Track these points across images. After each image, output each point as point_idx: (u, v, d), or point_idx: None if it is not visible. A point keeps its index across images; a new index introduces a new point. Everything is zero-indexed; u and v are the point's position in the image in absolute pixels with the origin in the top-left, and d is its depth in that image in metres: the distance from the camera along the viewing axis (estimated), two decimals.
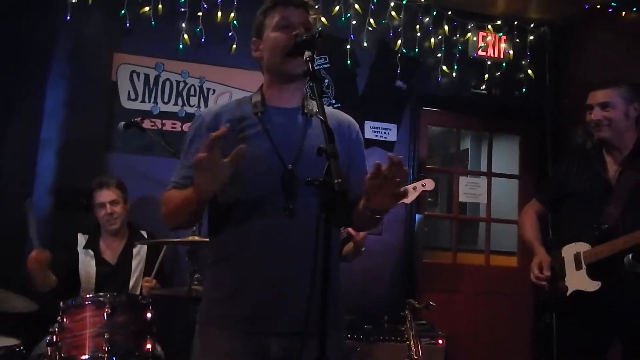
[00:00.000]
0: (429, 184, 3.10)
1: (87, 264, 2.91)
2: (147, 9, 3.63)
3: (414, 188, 2.96)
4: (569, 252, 2.54)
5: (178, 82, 3.75)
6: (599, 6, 3.99)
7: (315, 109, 1.67)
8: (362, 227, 1.95)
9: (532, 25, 4.38)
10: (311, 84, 1.45)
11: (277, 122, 1.60)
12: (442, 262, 4.41)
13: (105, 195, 2.95)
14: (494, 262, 4.40)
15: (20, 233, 3.29)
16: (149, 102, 3.68)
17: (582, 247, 2.50)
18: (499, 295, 4.21)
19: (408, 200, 3.26)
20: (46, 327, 2.46)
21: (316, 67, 3.35)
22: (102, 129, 3.58)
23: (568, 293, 2.49)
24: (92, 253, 2.93)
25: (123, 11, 3.59)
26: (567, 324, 2.62)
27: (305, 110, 1.65)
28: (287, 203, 1.51)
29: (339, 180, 1.18)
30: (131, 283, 2.94)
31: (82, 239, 2.97)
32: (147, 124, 3.45)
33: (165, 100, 3.72)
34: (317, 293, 1.52)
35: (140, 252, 3.03)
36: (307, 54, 1.47)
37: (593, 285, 2.41)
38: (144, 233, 3.14)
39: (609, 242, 2.39)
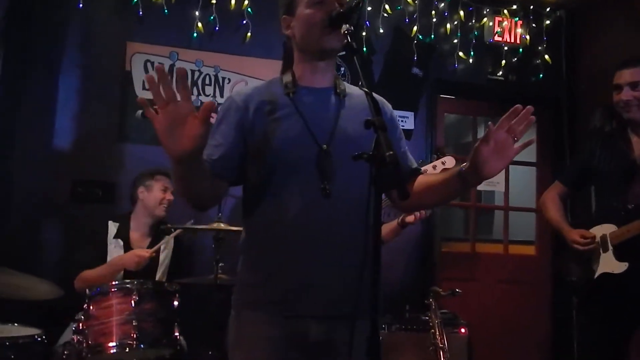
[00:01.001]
0: (449, 162, 3.06)
1: (115, 254, 2.88)
2: None
3: (434, 167, 2.93)
4: (596, 233, 2.53)
5: (193, 72, 3.72)
6: None
7: (348, 89, 1.66)
8: (432, 202, 1.79)
9: (547, 10, 4.36)
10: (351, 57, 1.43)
11: (309, 102, 1.58)
12: (460, 251, 4.40)
13: (168, 184, 2.97)
14: (512, 251, 4.38)
15: (38, 219, 3.32)
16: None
17: (608, 228, 2.50)
18: (518, 284, 4.21)
19: None
20: (70, 315, 2.46)
21: None
22: (116, 119, 3.56)
23: (595, 276, 2.49)
24: (121, 243, 2.91)
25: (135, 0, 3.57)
26: (590, 310, 2.61)
27: (337, 90, 1.63)
28: (322, 183, 1.50)
29: (391, 152, 1.16)
30: (157, 276, 2.92)
31: (112, 227, 2.94)
32: None
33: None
34: (357, 274, 1.53)
35: (167, 245, 3.02)
36: (345, 27, 1.45)
37: (620, 267, 2.41)
38: (169, 226, 3.13)
39: (636, 222, 2.38)
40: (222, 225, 2.52)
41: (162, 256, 2.96)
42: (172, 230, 2.93)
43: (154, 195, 2.96)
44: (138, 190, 2.98)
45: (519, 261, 4.33)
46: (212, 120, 1.25)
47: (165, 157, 3.26)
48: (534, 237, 4.42)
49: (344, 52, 1.60)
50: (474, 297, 4.02)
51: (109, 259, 2.84)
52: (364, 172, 1.57)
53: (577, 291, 2.75)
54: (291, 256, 1.50)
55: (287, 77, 1.62)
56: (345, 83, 1.68)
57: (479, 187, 4.40)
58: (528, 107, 1.43)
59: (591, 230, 2.56)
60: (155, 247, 2.84)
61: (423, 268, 4.02)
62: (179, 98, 1.22)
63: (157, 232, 3.01)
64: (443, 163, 3.05)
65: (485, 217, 5.59)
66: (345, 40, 1.44)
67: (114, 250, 2.88)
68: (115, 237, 2.91)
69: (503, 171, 4.25)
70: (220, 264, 2.51)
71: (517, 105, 1.44)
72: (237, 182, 1.60)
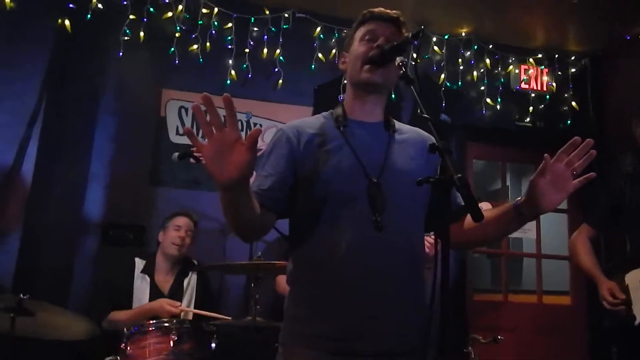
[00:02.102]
0: (485, 207, 3.05)
1: (141, 291, 2.92)
2: (195, 46, 3.77)
3: None
4: (634, 277, 2.46)
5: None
6: None
7: (397, 125, 1.69)
8: (486, 238, 1.70)
9: (572, 58, 4.45)
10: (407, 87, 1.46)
11: (359, 135, 1.60)
12: (494, 300, 4.30)
13: (185, 222, 3.07)
14: (546, 301, 4.27)
15: (71, 262, 3.34)
16: (198, 136, 3.72)
17: None
18: (554, 334, 4.08)
19: None
20: (100, 356, 2.42)
21: None
22: (150, 163, 3.64)
23: (637, 322, 2.40)
24: (147, 279, 2.96)
25: (172, 49, 3.72)
26: (633, 358, 2.49)
27: (387, 125, 1.65)
28: (374, 216, 1.49)
29: (459, 175, 1.16)
30: (182, 315, 2.90)
31: (139, 263, 3.00)
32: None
33: None
34: (409, 310, 1.50)
35: (190, 283, 3.06)
36: (398, 59, 1.49)
37: None
38: (194, 262, 3.16)
39: None
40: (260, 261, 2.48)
41: (186, 294, 2.98)
42: (196, 264, 3.01)
43: (169, 234, 3.03)
44: (159, 233, 3.09)
45: (554, 311, 4.22)
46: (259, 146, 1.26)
47: (199, 201, 3.34)
48: (567, 287, 4.31)
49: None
50: (510, 347, 3.89)
51: (135, 293, 2.88)
52: (415, 204, 1.58)
53: (616, 339, 2.64)
54: (344, 291, 1.47)
55: (338, 111, 1.65)
56: (395, 120, 1.70)
57: (510, 235, 4.35)
58: (588, 140, 1.43)
59: (629, 274, 2.48)
60: (185, 308, 2.87)
61: (456, 317, 3.92)
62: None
63: (182, 269, 3.05)
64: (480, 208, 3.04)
65: (513, 267, 5.49)
66: (401, 71, 1.47)
67: (140, 285, 2.93)
68: (142, 272, 2.97)
69: None
70: (257, 307, 2.47)
71: (575, 138, 1.44)
72: (285, 214, 1.59)
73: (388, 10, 1.64)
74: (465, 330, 3.71)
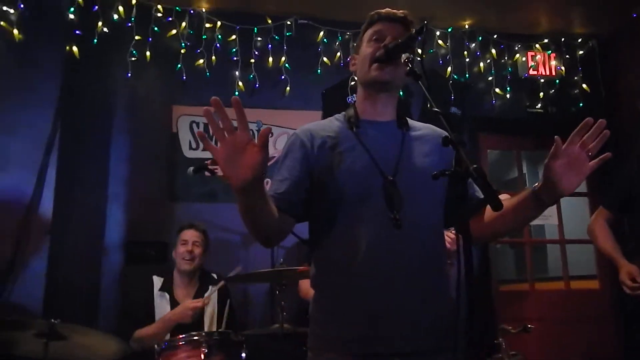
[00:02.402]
0: (504, 198, 3.04)
1: (162, 308, 2.93)
2: (201, 61, 3.82)
3: None
4: None
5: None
6: None
7: (410, 123, 1.69)
8: (507, 228, 1.65)
9: (579, 40, 4.43)
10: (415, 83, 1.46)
11: (372, 135, 1.61)
12: (520, 289, 4.26)
13: (190, 234, 3.08)
14: (573, 286, 4.23)
15: (97, 282, 3.39)
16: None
17: None
18: (585, 320, 4.03)
19: None
20: None
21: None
22: (166, 179, 3.69)
23: None
24: (167, 297, 2.97)
25: (179, 65, 3.77)
26: None
27: (400, 123, 1.66)
28: (392, 213, 1.49)
29: (475, 166, 1.16)
30: (205, 328, 2.91)
31: (157, 281, 3.02)
32: None
33: None
34: (434, 307, 1.50)
35: (211, 297, 3.04)
36: (404, 56, 1.49)
37: None
38: (214, 275, 3.16)
39: None
40: (283, 267, 2.49)
41: (206, 308, 2.98)
42: (215, 278, 2.99)
43: (178, 251, 3.07)
44: (173, 251, 3.12)
45: (583, 296, 4.17)
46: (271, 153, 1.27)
47: (215, 213, 3.36)
48: (594, 270, 4.26)
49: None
50: (540, 336, 3.85)
51: (156, 311, 2.89)
52: (432, 200, 1.58)
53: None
54: (367, 293, 1.47)
55: (350, 112, 1.66)
56: (408, 118, 1.71)
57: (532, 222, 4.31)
58: (600, 120, 1.42)
59: None
60: (207, 296, 2.88)
61: (483, 310, 3.90)
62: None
63: (201, 283, 3.07)
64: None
65: (537, 255, 5.44)
66: (407, 67, 1.48)
67: (161, 303, 2.94)
68: (161, 289, 2.99)
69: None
70: (283, 313, 2.48)
71: (588, 119, 1.44)
72: (302, 218, 1.60)
73: (395, 11, 1.65)
74: (493, 321, 3.69)
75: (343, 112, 1.70)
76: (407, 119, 1.70)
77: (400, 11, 1.64)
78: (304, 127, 1.67)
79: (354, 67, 1.71)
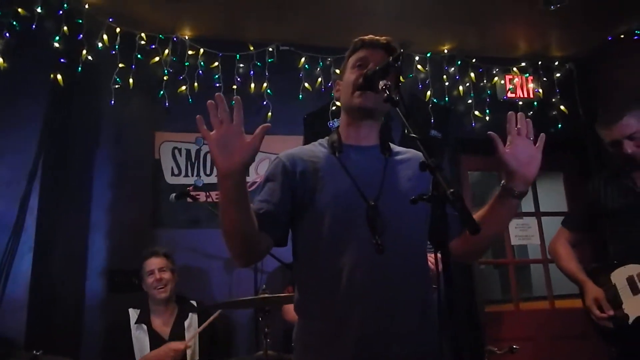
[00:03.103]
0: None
1: (141, 340, 2.89)
2: (183, 87, 3.85)
3: None
4: (619, 276, 2.44)
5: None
6: (622, 35, 4.12)
7: (394, 148, 1.72)
8: (490, 235, 1.62)
9: (556, 63, 4.54)
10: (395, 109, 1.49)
11: (355, 160, 1.63)
12: (505, 310, 4.28)
13: (154, 263, 3.04)
14: (559, 306, 4.26)
15: (80, 312, 3.34)
16: (192, 175, 3.79)
17: (634, 269, 2.40)
18: (572, 339, 4.04)
19: None
20: None
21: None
22: (150, 206, 3.69)
23: (630, 321, 2.36)
24: (145, 327, 2.93)
25: (161, 92, 3.79)
26: (634, 357, 2.41)
27: (383, 149, 1.68)
28: (374, 238, 1.51)
29: (452, 190, 1.17)
30: (188, 357, 2.88)
31: (133, 313, 2.99)
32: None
33: (208, 172, 3.83)
34: (420, 331, 1.51)
35: (192, 323, 3.03)
36: (382, 82, 1.52)
37: None
38: (193, 303, 3.14)
39: None
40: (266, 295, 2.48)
41: (187, 335, 2.96)
42: (195, 305, 2.99)
43: (146, 282, 3.04)
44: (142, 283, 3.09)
45: (568, 315, 4.19)
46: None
47: (199, 239, 3.34)
48: (578, 289, 4.29)
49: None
50: (527, 356, 3.86)
51: (135, 346, 2.85)
52: (415, 225, 1.60)
53: (613, 340, 2.52)
54: (351, 319, 1.48)
55: (334, 137, 1.69)
56: (390, 143, 1.74)
57: (513, 243, 4.36)
58: (519, 113, 1.57)
59: (614, 273, 2.46)
60: (190, 338, 2.86)
61: (469, 331, 3.90)
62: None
63: (180, 310, 3.04)
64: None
65: (521, 275, 5.49)
66: (385, 95, 1.50)
67: (139, 336, 2.91)
68: (138, 322, 2.94)
69: (535, 223, 4.31)
70: (267, 340, 2.46)
71: (509, 113, 1.57)
72: (281, 241, 1.61)
73: (378, 37, 1.69)
74: (480, 343, 3.69)
75: (326, 137, 1.73)
76: (390, 144, 1.73)
77: (384, 37, 1.69)
78: (287, 152, 1.69)
79: (338, 93, 1.74)
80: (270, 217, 1.54)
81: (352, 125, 1.69)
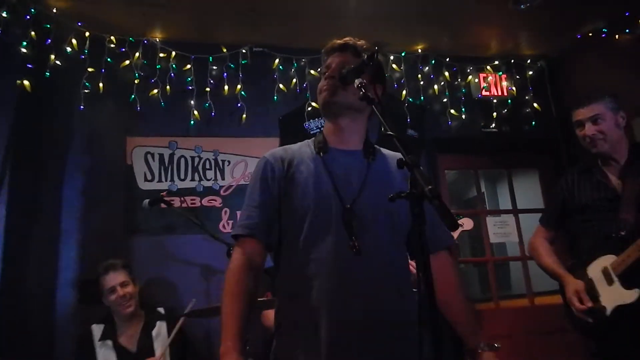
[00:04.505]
0: (467, 224, 3.12)
1: (107, 358, 2.81)
2: (155, 91, 3.81)
3: None
4: (594, 269, 2.48)
5: (193, 158, 3.83)
6: (590, 34, 4.22)
7: (378, 152, 1.73)
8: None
9: (528, 61, 4.62)
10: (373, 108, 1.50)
11: (339, 162, 1.66)
12: (485, 308, 4.32)
13: (114, 278, 2.95)
14: (538, 302, 4.32)
15: (52, 323, 3.27)
16: (166, 180, 3.75)
17: (606, 260, 2.45)
18: (553, 335, 4.11)
19: None
20: None
21: (315, 130, 3.51)
22: (123, 213, 3.63)
23: (608, 312, 2.40)
24: (110, 344, 2.85)
25: (133, 96, 3.75)
26: (612, 350, 2.45)
27: (366, 152, 1.70)
28: (351, 240, 1.51)
29: (430, 186, 1.18)
30: None
31: (97, 330, 2.90)
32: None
33: (182, 177, 3.79)
34: (400, 333, 1.51)
35: (160, 332, 2.97)
36: (357, 81, 1.53)
37: (631, 295, 2.34)
38: (161, 310, 3.09)
39: (633, 245, 2.35)
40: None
41: (156, 345, 2.90)
42: (162, 313, 2.96)
43: (108, 299, 2.94)
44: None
45: (547, 311, 4.25)
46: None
47: (174, 246, 3.29)
48: (557, 285, 4.35)
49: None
50: (508, 354, 3.91)
51: None
52: (394, 228, 1.61)
53: (592, 334, 2.53)
54: (330, 324, 1.48)
55: (319, 138, 1.72)
56: (377, 147, 1.75)
57: (491, 241, 4.41)
58: None
59: (589, 267, 2.50)
60: (160, 354, 2.81)
61: (449, 331, 3.92)
62: None
63: (148, 319, 2.98)
64: (461, 225, 3.09)
65: (500, 273, 5.56)
66: (361, 93, 1.51)
67: (105, 352, 2.83)
68: (102, 338, 2.87)
69: (513, 221, 4.37)
70: (247, 347, 2.43)
71: None
72: (272, 247, 1.63)
73: (337, 41, 1.71)
74: (460, 342, 3.71)
75: (312, 139, 1.74)
76: (377, 147, 1.74)
77: (341, 40, 1.71)
78: (272, 151, 1.72)
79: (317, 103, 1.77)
80: (264, 225, 1.59)
81: (332, 128, 1.71)
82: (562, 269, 2.63)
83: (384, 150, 1.76)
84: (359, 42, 1.72)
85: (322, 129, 1.77)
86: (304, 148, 1.71)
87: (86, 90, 3.66)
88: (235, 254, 1.59)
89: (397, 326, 1.52)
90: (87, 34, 3.71)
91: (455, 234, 3.04)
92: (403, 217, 1.59)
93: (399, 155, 1.74)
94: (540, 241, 2.76)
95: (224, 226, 3.76)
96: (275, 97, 4.02)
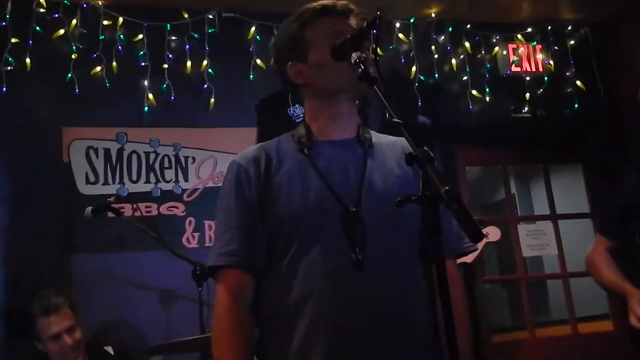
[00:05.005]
0: (493, 234, 3.15)
1: None
2: (98, 68, 3.80)
3: None
4: None
5: (147, 154, 3.82)
6: None
7: (374, 137, 1.73)
8: None
9: (569, 28, 4.64)
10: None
11: (329, 157, 1.64)
12: (517, 338, 4.36)
13: (58, 323, 2.90)
14: (583, 330, 4.36)
15: None
16: (114, 183, 3.73)
17: None
18: None
19: (470, 258, 3.29)
20: None
21: (302, 117, 3.49)
22: (58, 225, 3.60)
23: None
24: None
25: (69, 75, 3.73)
26: None
27: (361, 139, 1.69)
28: (353, 252, 1.52)
29: (447, 187, 1.18)
30: None
31: None
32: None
33: (134, 178, 3.78)
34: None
35: None
36: (354, 55, 1.52)
37: None
38: (108, 350, 3.08)
39: None
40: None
41: None
42: (112, 354, 2.94)
43: (49, 348, 2.90)
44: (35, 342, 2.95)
45: (595, 341, 4.29)
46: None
47: (124, 265, 3.29)
48: (606, 308, 4.41)
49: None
50: None
51: None
52: (403, 232, 1.61)
53: None
54: (317, 352, 1.49)
55: (300, 131, 1.69)
56: (371, 131, 1.74)
57: (524, 254, 4.43)
58: None
59: None
60: None
61: None
62: None
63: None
64: (486, 235, 3.12)
65: (536, 294, 5.59)
66: (359, 70, 1.51)
67: None
68: None
69: (551, 229, 4.40)
70: None
71: None
72: (261, 273, 1.62)
73: (346, 2, 1.70)
74: None
75: (291, 132, 1.73)
76: (372, 132, 1.74)
77: (343, 1, 1.70)
78: (243, 153, 1.69)
79: (303, 78, 1.69)
80: (245, 249, 1.57)
81: (328, 113, 1.69)
82: (625, 281, 2.66)
83: (378, 134, 1.76)
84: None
85: (303, 117, 1.76)
86: (283, 143, 1.69)
87: (9, 67, 3.62)
88: (220, 293, 1.58)
89: (411, 349, 1.53)
90: None
91: (479, 247, 3.06)
92: (412, 215, 1.58)
93: (401, 140, 1.75)
94: (600, 254, 2.78)
95: (188, 240, 3.74)
96: (251, 76, 4.01)
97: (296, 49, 1.69)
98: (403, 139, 1.74)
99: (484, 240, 3.10)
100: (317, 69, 1.66)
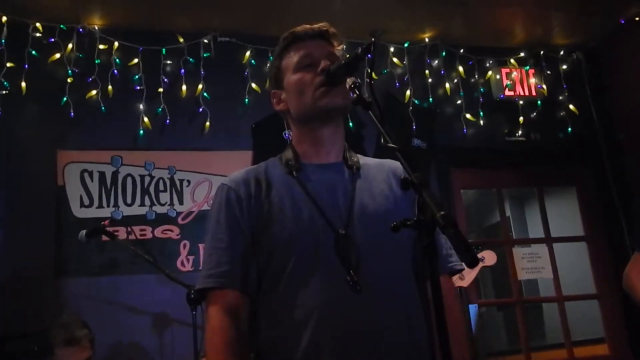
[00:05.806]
0: (489, 258, 3.15)
1: None
2: (94, 92, 3.81)
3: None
4: None
5: (142, 177, 3.82)
6: (638, 18, 4.29)
7: (362, 160, 1.73)
8: None
9: (561, 53, 4.68)
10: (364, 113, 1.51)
11: (317, 180, 1.64)
12: None
13: (77, 356, 2.92)
14: (579, 354, 4.33)
15: None
16: (108, 206, 3.72)
17: None
18: None
19: (466, 282, 3.30)
20: None
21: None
22: (52, 249, 3.59)
23: None
24: None
25: (65, 98, 3.73)
26: None
27: (349, 163, 1.70)
28: (348, 275, 1.52)
29: (442, 212, 1.18)
30: None
31: None
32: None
33: (128, 201, 3.77)
34: None
35: None
36: (349, 80, 1.53)
37: None
38: None
39: None
40: None
41: None
42: None
43: None
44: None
45: None
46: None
47: (117, 289, 3.26)
48: (602, 332, 4.39)
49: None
50: None
51: None
52: (397, 253, 1.61)
53: None
54: None
55: (288, 154, 1.69)
56: (357, 155, 1.75)
57: (520, 278, 4.42)
58: None
59: None
60: None
61: None
62: None
63: None
64: (482, 259, 3.12)
65: (532, 317, 5.57)
66: (354, 95, 1.52)
67: None
68: None
69: (546, 252, 4.39)
70: None
71: None
72: (254, 294, 1.61)
73: (312, 25, 1.71)
74: None
75: (279, 155, 1.74)
76: (358, 155, 1.75)
77: (318, 24, 1.71)
78: (232, 176, 1.69)
79: (282, 105, 1.72)
80: (237, 271, 1.56)
81: (308, 137, 1.70)
82: None
83: (365, 157, 1.77)
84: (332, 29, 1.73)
85: (290, 140, 1.76)
86: (271, 168, 1.70)
87: (5, 92, 3.63)
88: (213, 314, 1.56)
89: None
90: (4, 18, 3.69)
91: (474, 272, 3.06)
92: (405, 236, 1.58)
93: (387, 161, 1.76)
94: (637, 270, 2.74)
95: (182, 263, 3.72)
96: (246, 100, 4.02)
97: (276, 77, 1.75)
98: (390, 160, 1.76)
99: (480, 265, 3.11)
100: (290, 91, 1.69)
